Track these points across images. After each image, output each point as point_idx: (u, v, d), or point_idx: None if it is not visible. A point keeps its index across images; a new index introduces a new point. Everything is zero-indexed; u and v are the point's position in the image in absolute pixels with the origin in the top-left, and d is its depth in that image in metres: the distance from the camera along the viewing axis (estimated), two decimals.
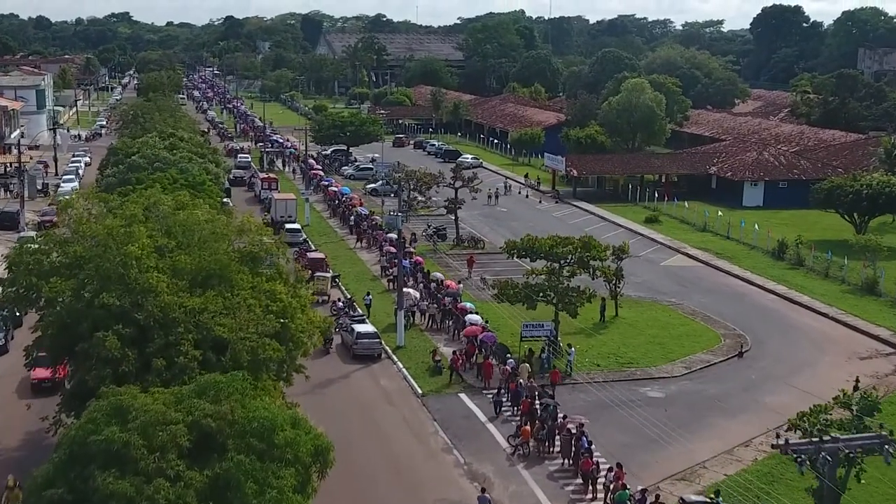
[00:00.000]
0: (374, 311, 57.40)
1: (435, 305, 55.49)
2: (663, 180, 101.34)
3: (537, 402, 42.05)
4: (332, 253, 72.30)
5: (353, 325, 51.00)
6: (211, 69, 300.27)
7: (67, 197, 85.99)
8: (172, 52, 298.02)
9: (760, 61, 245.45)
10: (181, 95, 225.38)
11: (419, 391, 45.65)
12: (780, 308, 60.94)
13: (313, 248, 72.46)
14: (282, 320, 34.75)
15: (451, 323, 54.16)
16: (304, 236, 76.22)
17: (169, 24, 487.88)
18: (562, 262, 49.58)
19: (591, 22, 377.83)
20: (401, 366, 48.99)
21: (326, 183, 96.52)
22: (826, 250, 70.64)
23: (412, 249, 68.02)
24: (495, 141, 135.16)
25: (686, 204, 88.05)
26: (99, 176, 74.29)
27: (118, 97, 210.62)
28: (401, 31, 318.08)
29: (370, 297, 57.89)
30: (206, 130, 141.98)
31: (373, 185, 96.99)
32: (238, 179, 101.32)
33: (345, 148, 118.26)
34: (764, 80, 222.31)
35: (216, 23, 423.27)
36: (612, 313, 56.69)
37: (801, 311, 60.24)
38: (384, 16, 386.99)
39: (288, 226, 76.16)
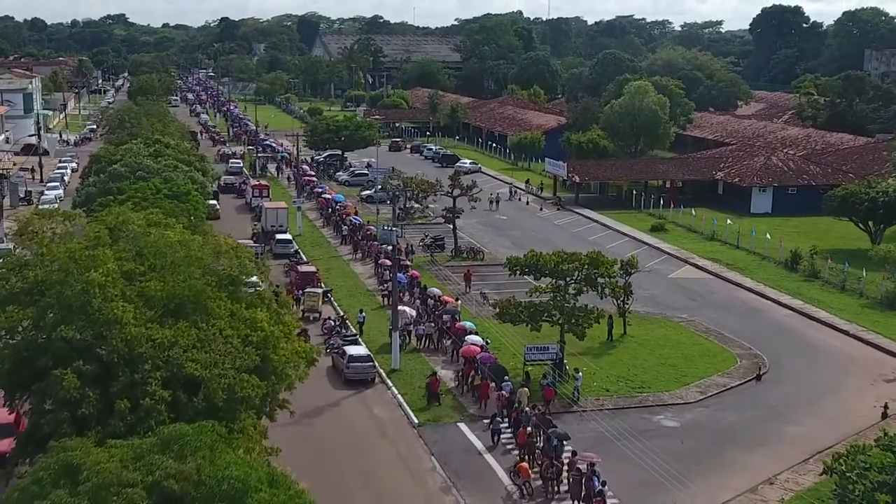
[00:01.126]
0: (368, 329, 54.20)
1: (432, 324, 52.19)
2: (667, 186, 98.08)
3: (536, 429, 38.91)
4: (325, 265, 69.03)
5: (344, 348, 47.67)
6: (205, 71, 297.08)
7: (49, 206, 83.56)
8: (165, 55, 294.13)
9: (760, 62, 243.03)
10: (174, 97, 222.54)
11: (415, 421, 42.36)
12: (796, 324, 57.65)
13: (305, 259, 69.15)
14: (263, 352, 31.49)
15: (449, 343, 50.87)
16: (296, 247, 72.90)
17: (165, 25, 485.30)
18: (567, 279, 46.25)
19: (590, 23, 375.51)
20: (395, 392, 45.70)
21: (320, 190, 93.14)
22: (842, 261, 67.37)
23: (408, 262, 64.72)
24: (494, 145, 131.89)
25: (693, 211, 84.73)
26: (80, 185, 70.85)
27: (111, 100, 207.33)
28: (397, 33, 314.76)
29: (363, 314, 54.62)
30: (196, 133, 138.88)
31: (368, 192, 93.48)
32: (229, 186, 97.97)
33: (339, 153, 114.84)
34: (764, 81, 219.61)
35: (212, 24, 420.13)
36: (621, 331, 53.44)
37: (820, 327, 56.96)
38: (381, 17, 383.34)
39: (278, 236, 72.91)
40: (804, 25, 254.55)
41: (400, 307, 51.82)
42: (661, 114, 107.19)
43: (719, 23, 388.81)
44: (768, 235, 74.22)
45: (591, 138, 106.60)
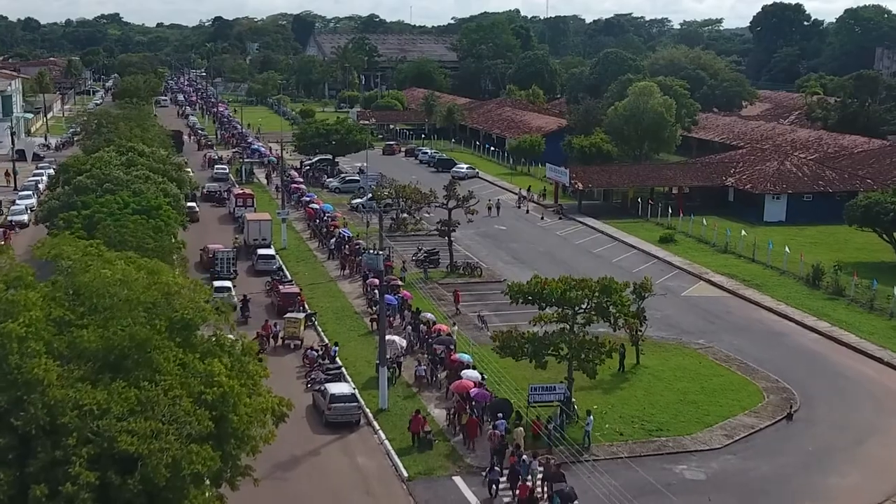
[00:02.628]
0: (355, 359, 49.15)
1: (426, 355, 47.08)
2: (673, 192, 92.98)
3: (539, 479, 34.06)
4: (310, 283, 63.89)
5: (326, 386, 42.51)
6: (198, 71, 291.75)
7: (19, 218, 78.40)
8: (155, 55, 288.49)
9: (761, 61, 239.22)
10: (164, 97, 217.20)
11: (405, 474, 37.21)
12: (825, 351, 52.54)
13: (288, 277, 63.95)
14: (221, 412, 26.43)
15: (443, 377, 45.81)
16: (279, 263, 67.75)
17: (159, 25, 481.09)
18: (576, 308, 41.15)
19: (588, 22, 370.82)
20: (383, 436, 40.56)
21: (308, 199, 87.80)
22: (869, 277, 62.38)
23: (399, 282, 59.51)
24: (492, 148, 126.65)
25: (704, 221, 79.59)
26: (44, 197, 65.70)
27: (98, 101, 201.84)
28: (393, 32, 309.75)
29: (337, 348, 49.44)
30: (181, 132, 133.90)
31: (358, 201, 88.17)
32: (212, 194, 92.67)
33: (330, 157, 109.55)
34: (765, 80, 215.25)
35: (206, 24, 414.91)
36: (633, 361, 48.39)
37: (850, 354, 51.87)
38: (377, 16, 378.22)
39: (260, 251, 67.71)
40: (805, 23, 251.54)
41: (389, 336, 46.77)
42: (666, 116, 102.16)
43: (719, 21, 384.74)
44: (787, 248, 69.08)
45: (594, 142, 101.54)
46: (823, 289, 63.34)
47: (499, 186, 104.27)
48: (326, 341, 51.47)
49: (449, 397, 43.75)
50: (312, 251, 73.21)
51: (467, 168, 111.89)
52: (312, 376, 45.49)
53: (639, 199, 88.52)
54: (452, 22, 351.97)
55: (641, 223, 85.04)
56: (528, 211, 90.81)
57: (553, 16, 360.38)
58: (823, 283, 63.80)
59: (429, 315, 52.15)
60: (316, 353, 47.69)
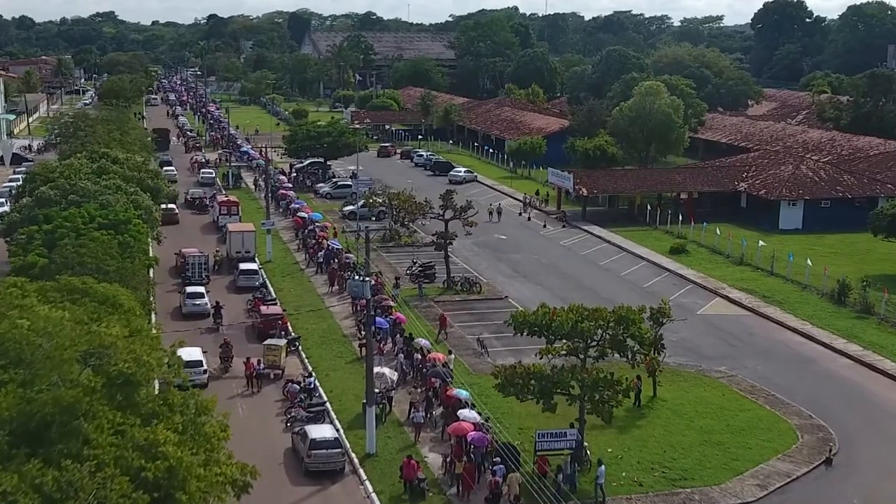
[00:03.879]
0: (341, 392, 44.39)
1: (420, 389, 42.27)
2: (681, 198, 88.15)
3: None
4: (296, 301, 59.09)
5: (306, 428, 37.68)
6: (192, 70, 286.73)
7: None
8: (146, 53, 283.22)
9: (763, 58, 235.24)
10: (154, 97, 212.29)
11: None
12: (858, 379, 47.76)
13: (272, 296, 59.10)
14: (166, 490, 21.68)
15: (439, 414, 41.03)
16: (262, 278, 62.89)
17: (154, 23, 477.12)
18: (588, 341, 36.34)
19: (587, 19, 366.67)
20: (370, 488, 35.73)
21: (296, 206, 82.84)
22: None
23: (391, 302, 54.62)
24: (490, 150, 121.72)
25: (718, 230, 74.75)
26: (7, 210, 60.87)
27: (88, 101, 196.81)
28: (390, 30, 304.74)
29: (313, 379, 44.65)
30: (168, 130, 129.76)
31: (350, 208, 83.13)
32: (194, 201, 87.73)
33: (322, 161, 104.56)
34: (766, 78, 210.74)
35: (202, 22, 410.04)
36: (650, 393, 43.63)
37: (888, 383, 47.09)
38: (374, 14, 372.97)
39: (242, 265, 62.81)
40: (807, 20, 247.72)
41: (378, 369, 42.05)
42: (674, 117, 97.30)
43: (720, 18, 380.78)
44: (809, 261, 64.24)
45: (599, 144, 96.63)
46: (850, 306, 58.61)
47: (498, 191, 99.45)
48: (312, 372, 46.66)
49: (445, 439, 38.98)
50: (299, 264, 68.31)
51: (465, 171, 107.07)
52: (292, 414, 40.74)
53: (647, 206, 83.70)
54: (450, 20, 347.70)
55: (650, 231, 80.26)
56: (529, 218, 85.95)
57: (552, 13, 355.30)
58: (850, 299, 59.08)
59: (423, 342, 47.29)
60: (297, 387, 42.85)
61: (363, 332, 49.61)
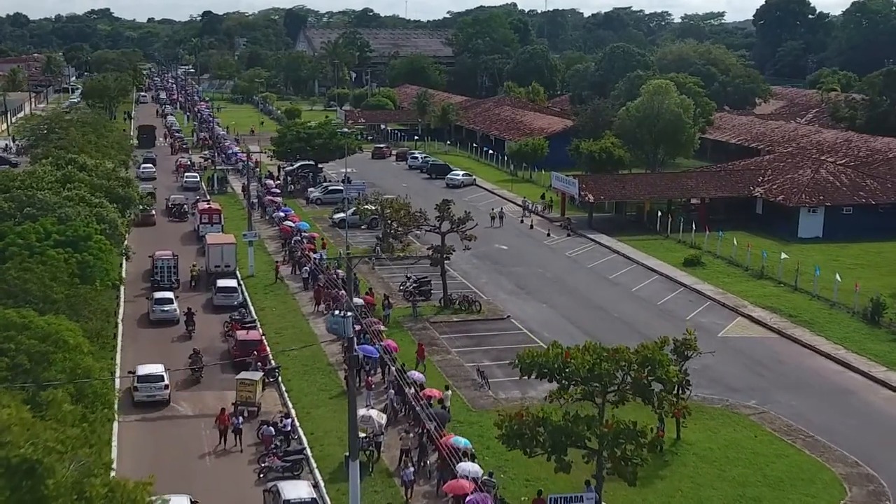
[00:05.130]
0: (323, 434, 39.27)
1: (411, 434, 37.07)
2: (693, 203, 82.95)
3: None
4: (278, 322, 53.92)
5: (279, 485, 32.48)
6: (185, 68, 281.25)
7: None
8: (134, 51, 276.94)
9: (765, 55, 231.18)
10: (144, 94, 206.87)
11: None
12: None
13: (252, 317, 53.84)
14: None
15: (433, 463, 35.86)
16: (243, 297, 57.63)
17: (150, 20, 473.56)
18: (608, 386, 31.16)
19: (586, 15, 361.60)
20: None
21: (283, 214, 77.47)
22: None
23: (381, 326, 49.39)
24: (490, 151, 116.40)
25: (735, 241, 69.58)
26: None
27: (76, 100, 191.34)
28: (386, 27, 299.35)
29: (290, 419, 39.47)
30: (154, 127, 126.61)
31: (340, 215, 77.65)
32: (176, 208, 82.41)
33: (313, 163, 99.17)
34: (769, 75, 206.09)
35: (197, 19, 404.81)
36: (673, 434, 38.47)
37: None
38: (371, 10, 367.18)
39: (220, 282, 57.46)
40: (810, 17, 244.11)
41: (364, 412, 36.92)
42: (684, 117, 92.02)
43: (721, 14, 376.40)
44: (838, 276, 59.00)
45: (604, 147, 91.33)
46: (886, 326, 53.52)
47: (498, 195, 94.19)
48: (292, 409, 41.48)
49: (441, 495, 33.84)
50: (284, 279, 63.00)
51: (463, 175, 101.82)
52: (266, 463, 35.53)
53: (657, 212, 78.53)
54: (448, 16, 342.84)
55: (660, 240, 75.08)
56: (532, 226, 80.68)
57: (550, 9, 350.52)
58: (885, 318, 53.97)
59: (417, 375, 42.05)
60: (272, 431, 37.64)
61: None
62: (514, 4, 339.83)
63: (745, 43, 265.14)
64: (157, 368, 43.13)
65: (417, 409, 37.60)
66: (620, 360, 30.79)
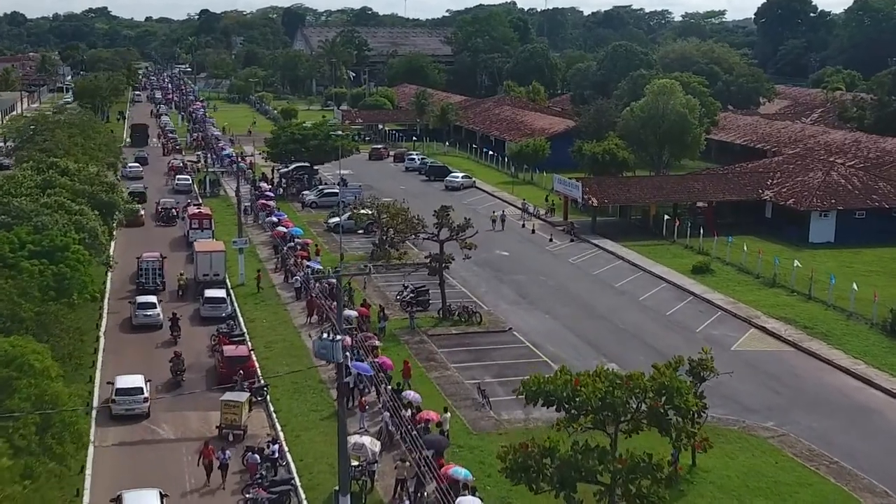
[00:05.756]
0: (313, 462, 36.65)
1: (407, 463, 34.44)
2: (699, 206, 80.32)
3: None
4: (268, 335, 51.30)
5: None
6: (182, 67, 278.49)
7: None
8: (128, 50, 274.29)
9: (766, 54, 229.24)
10: (138, 93, 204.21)
11: None
12: None
13: (240, 329, 51.25)
14: None
15: (430, 494, 33.26)
16: (232, 308, 54.99)
17: (148, 19, 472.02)
18: (621, 415, 28.55)
19: (586, 14, 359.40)
20: None
21: (276, 218, 74.75)
22: None
23: (376, 341, 46.74)
24: (490, 152, 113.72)
25: (745, 247, 66.99)
26: None
27: (70, 99, 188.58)
28: (385, 25, 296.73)
29: (278, 445, 36.75)
30: (144, 126, 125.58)
31: (335, 220, 74.75)
32: (166, 212, 79.75)
33: (309, 165, 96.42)
34: (771, 74, 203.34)
35: (195, 17, 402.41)
36: (688, 461, 35.85)
37: None
38: (370, 9, 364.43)
39: (208, 292, 54.81)
40: (811, 15, 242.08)
41: (357, 439, 34.34)
42: (690, 118, 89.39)
43: (721, 13, 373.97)
44: (855, 285, 56.41)
45: (608, 148, 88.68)
46: None
47: (498, 198, 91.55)
48: (280, 432, 38.88)
49: None
50: (276, 288, 60.39)
51: (463, 177, 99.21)
52: (250, 495, 32.91)
53: (664, 216, 75.96)
54: (447, 14, 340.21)
55: (667, 246, 72.47)
56: (534, 230, 78.04)
57: (550, 7, 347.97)
58: None
59: (413, 395, 39.44)
60: (258, 459, 35.01)
61: (346, 378, 41.95)
62: (514, 3, 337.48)
63: (746, 41, 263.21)
64: (136, 380, 41.24)
65: (413, 436, 34.95)
66: (635, 387, 28.19)
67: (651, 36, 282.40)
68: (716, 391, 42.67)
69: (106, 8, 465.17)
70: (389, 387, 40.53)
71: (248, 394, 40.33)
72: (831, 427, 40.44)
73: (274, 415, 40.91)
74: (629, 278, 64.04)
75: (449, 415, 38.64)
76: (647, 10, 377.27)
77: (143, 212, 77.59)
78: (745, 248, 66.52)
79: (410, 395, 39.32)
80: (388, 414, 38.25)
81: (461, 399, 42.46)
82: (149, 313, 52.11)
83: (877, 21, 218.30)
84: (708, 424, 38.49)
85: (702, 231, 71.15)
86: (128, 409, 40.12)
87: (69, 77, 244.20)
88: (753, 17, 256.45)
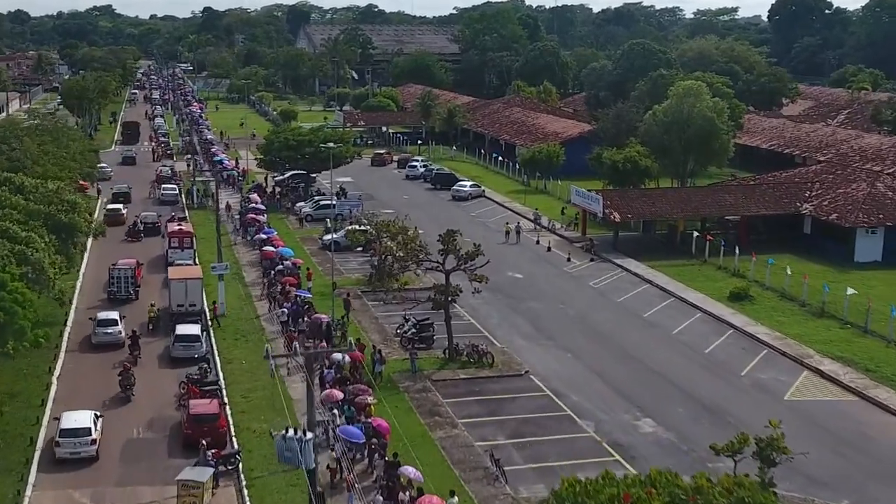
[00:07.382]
0: None
1: None
2: (729, 221, 73.24)
3: None
4: (247, 381, 44.29)
5: None
6: (184, 65, 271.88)
7: None
8: (123, 48, 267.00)
9: (780, 51, 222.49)
10: (134, 92, 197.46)
11: None
12: None
13: (215, 376, 44.25)
14: None
15: None
16: (207, 347, 47.93)
17: (152, 17, 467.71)
18: None
19: (595, 11, 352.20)
20: None
21: (265, 236, 67.58)
22: None
23: (369, 398, 39.45)
24: (499, 158, 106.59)
25: (789, 269, 59.82)
26: None
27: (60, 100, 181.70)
28: (390, 23, 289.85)
29: None
30: (136, 124, 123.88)
31: (330, 237, 67.33)
32: (148, 227, 72.87)
33: (305, 173, 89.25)
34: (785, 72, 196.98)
35: (199, 15, 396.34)
36: None
37: None
38: (376, 6, 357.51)
39: (180, 329, 47.62)
40: (826, 12, 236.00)
41: None
42: (717, 123, 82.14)
43: (734, 10, 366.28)
44: None
45: (629, 156, 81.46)
46: None
47: (509, 209, 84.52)
48: None
49: None
50: (261, 319, 53.37)
51: (471, 186, 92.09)
52: None
53: (692, 232, 68.90)
54: (454, 12, 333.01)
55: (698, 266, 65.35)
56: (549, 248, 70.97)
57: (559, 4, 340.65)
58: None
59: (413, 472, 32.34)
60: None
61: (332, 445, 35.10)
62: (522, 0, 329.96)
63: (760, 39, 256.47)
64: (83, 418, 35.89)
65: None
66: (670, 491, 21.17)
67: (662, 33, 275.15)
68: None
69: (110, 6, 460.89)
70: (384, 459, 33.50)
71: (213, 470, 33.29)
72: None
73: (245, 491, 33.89)
74: (658, 306, 56.88)
75: (456, 500, 31.58)
76: (657, 7, 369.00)
77: (125, 211, 76.02)
78: (789, 271, 59.32)
79: (410, 471, 32.22)
80: (382, 498, 31.22)
81: (471, 469, 35.44)
82: (109, 331, 47.96)
83: (894, 18, 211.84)
84: None
85: (737, 250, 64.07)
86: (72, 453, 35.26)
87: (67, 76, 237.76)
88: (767, 14, 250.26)
